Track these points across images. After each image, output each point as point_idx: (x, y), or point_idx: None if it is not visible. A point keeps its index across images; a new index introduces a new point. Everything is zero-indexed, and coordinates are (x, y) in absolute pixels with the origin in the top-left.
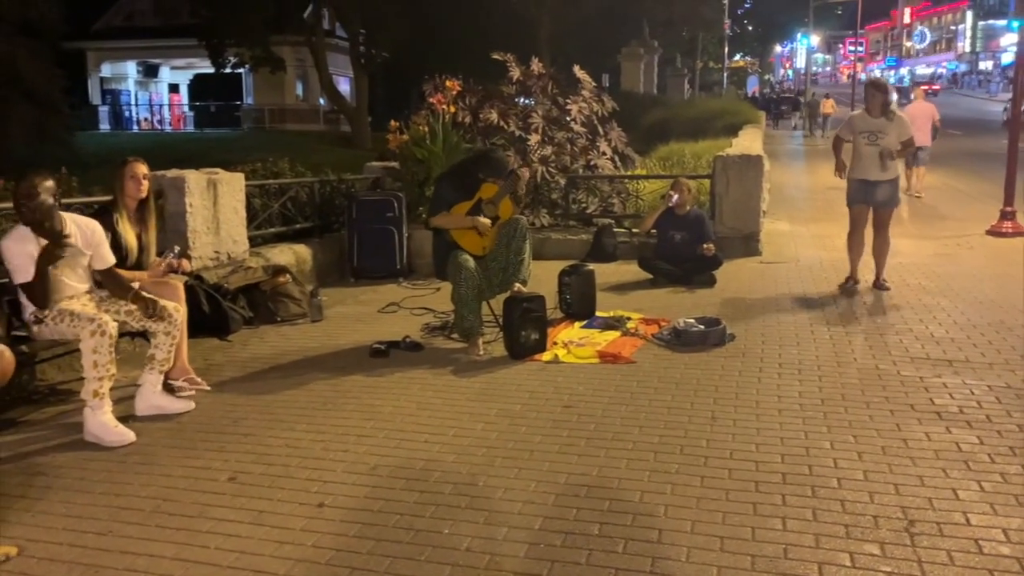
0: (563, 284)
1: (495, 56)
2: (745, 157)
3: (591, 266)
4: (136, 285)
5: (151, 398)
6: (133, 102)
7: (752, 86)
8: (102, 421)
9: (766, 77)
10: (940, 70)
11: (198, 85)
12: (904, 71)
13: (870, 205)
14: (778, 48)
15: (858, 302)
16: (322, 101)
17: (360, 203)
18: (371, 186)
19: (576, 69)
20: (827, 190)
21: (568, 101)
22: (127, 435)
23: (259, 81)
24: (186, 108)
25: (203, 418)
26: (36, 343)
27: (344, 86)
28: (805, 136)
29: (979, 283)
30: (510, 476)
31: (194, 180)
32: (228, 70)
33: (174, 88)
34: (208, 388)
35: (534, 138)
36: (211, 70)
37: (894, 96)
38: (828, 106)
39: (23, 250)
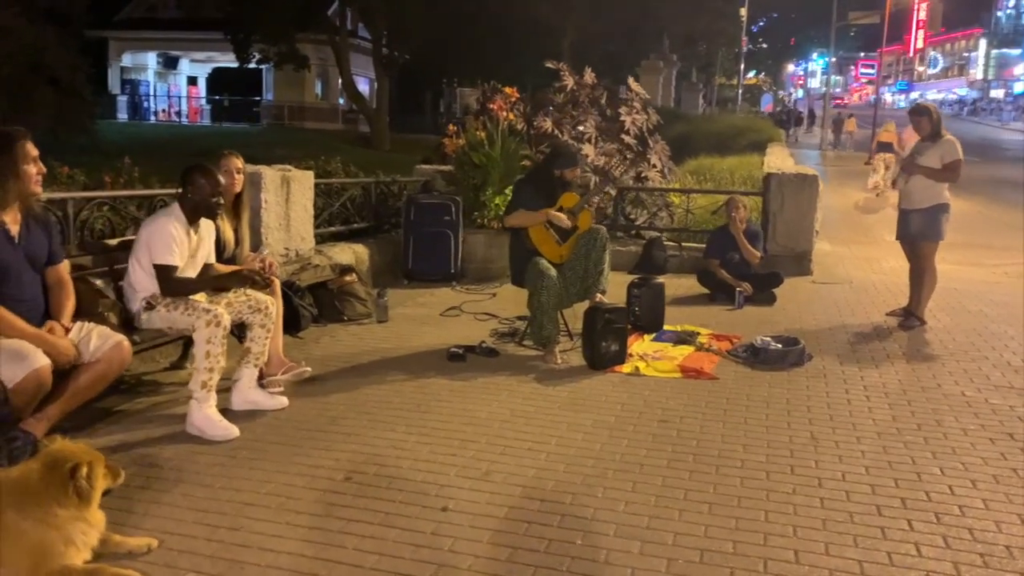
0: (632, 296)
1: (548, 64)
2: (801, 176)
3: (660, 279)
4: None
5: (247, 393)
6: (152, 93)
7: (766, 103)
8: (207, 414)
9: (780, 95)
10: (951, 96)
11: (217, 79)
12: (915, 95)
13: (905, 239)
14: (791, 67)
15: (925, 327)
16: (341, 100)
17: (418, 205)
18: (422, 189)
19: (631, 81)
20: (859, 211)
21: (620, 112)
22: (231, 430)
23: (279, 78)
24: (204, 101)
25: (300, 416)
26: (146, 332)
27: (363, 86)
28: (823, 152)
29: None
30: (627, 489)
31: (270, 176)
32: (253, 65)
33: (192, 81)
34: (309, 369)
35: (588, 148)
36: (230, 64)
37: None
38: (851, 125)
39: (174, 232)
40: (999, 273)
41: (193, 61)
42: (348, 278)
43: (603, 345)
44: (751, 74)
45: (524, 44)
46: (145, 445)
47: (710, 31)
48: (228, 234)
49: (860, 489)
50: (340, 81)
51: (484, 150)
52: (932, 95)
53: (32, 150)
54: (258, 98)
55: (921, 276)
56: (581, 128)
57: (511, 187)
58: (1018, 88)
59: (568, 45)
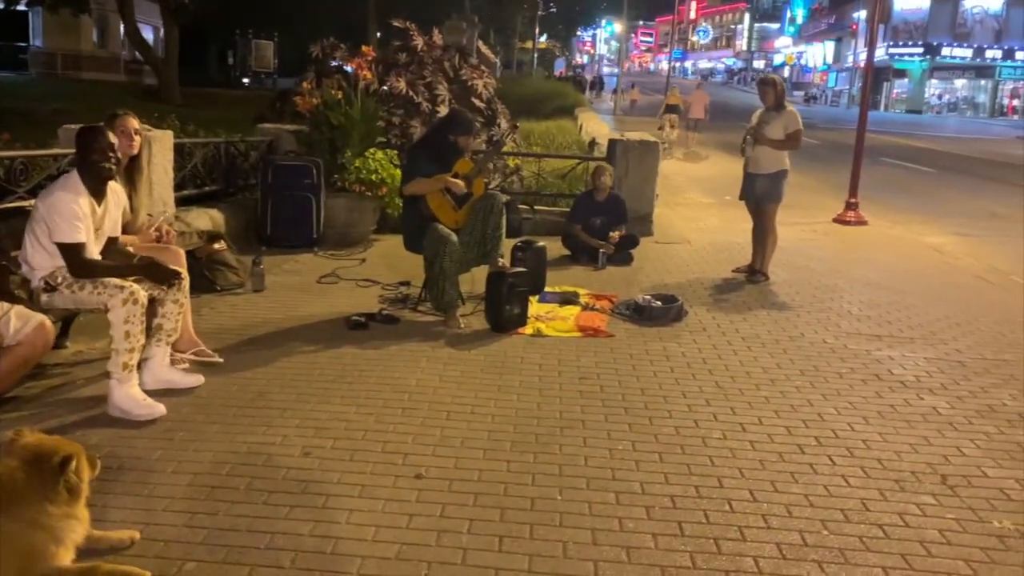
0: (516, 260)
1: (395, 23)
2: (644, 143)
3: (542, 242)
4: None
5: (159, 372)
6: None
7: (559, 68)
8: (130, 394)
9: (572, 62)
10: (720, 64)
11: None
12: (688, 64)
13: (750, 201)
14: (578, 32)
15: (770, 282)
16: (124, 50)
17: (276, 168)
18: (268, 149)
19: (480, 44)
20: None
21: (462, 74)
22: (157, 409)
23: (50, 22)
24: None
25: (221, 393)
26: (52, 313)
27: (146, 34)
28: (616, 117)
29: (855, 266)
30: (580, 445)
31: None
32: (24, 7)
33: None
34: (220, 360)
35: (444, 110)
36: None
37: (784, 88)
38: (635, 94)
39: (75, 208)
40: (809, 231)
41: None
42: (217, 245)
43: (507, 308)
44: (542, 39)
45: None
46: (64, 432)
47: None
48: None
49: (778, 432)
50: (123, 28)
51: (342, 110)
52: (704, 64)
53: None
54: (23, 44)
55: (765, 235)
56: (436, 91)
57: (373, 150)
58: (777, 60)
59: (374, 3)
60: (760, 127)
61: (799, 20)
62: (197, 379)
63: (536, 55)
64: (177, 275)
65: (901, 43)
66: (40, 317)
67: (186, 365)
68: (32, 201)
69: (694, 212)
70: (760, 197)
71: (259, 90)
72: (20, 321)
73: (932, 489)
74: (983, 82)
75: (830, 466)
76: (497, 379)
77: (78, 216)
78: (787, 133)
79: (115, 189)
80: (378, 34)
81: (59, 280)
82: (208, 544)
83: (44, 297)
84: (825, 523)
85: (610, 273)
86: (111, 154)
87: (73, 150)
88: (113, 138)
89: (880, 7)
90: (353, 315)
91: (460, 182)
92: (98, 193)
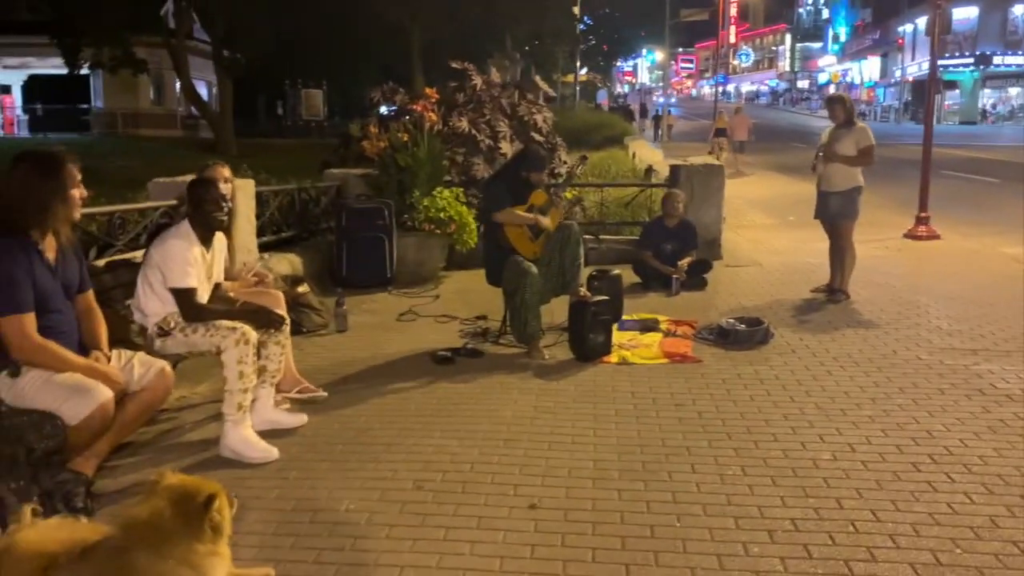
0: (592, 288)
1: (454, 64)
2: (708, 167)
3: (618, 270)
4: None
5: (265, 413)
6: None
7: (601, 99)
8: (244, 436)
9: (615, 92)
10: (762, 87)
11: (34, 86)
12: (731, 87)
13: (825, 219)
14: (618, 62)
15: (852, 300)
16: (179, 106)
17: (350, 211)
18: (336, 194)
19: (537, 79)
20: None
21: (519, 110)
22: (271, 451)
23: (109, 84)
24: (19, 111)
25: (326, 431)
26: (166, 358)
27: (200, 90)
28: (661, 144)
29: (935, 281)
30: (688, 471)
31: None
32: (86, 71)
33: (5, 89)
34: (324, 394)
35: (506, 146)
36: (50, 71)
37: (852, 106)
38: (672, 119)
39: (188, 255)
40: (881, 247)
41: (5, 68)
42: (301, 289)
43: (591, 337)
44: (583, 71)
45: (369, 45)
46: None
47: (554, 29)
48: None
49: (889, 451)
50: (178, 85)
51: (409, 151)
52: (747, 87)
53: (77, 172)
54: (85, 106)
55: (842, 253)
56: (497, 128)
57: (439, 188)
58: (822, 79)
59: (418, 46)
60: (831, 144)
61: (842, 38)
62: (301, 418)
63: (578, 88)
64: (282, 319)
65: (950, 54)
66: (161, 363)
67: (288, 405)
68: (133, 253)
69: (759, 234)
70: (835, 215)
71: (311, 138)
72: (143, 368)
73: None
74: None
75: (949, 483)
76: (592, 408)
77: (190, 262)
78: (860, 148)
79: (219, 237)
80: (420, 76)
81: (172, 325)
82: None
83: (158, 343)
84: (956, 541)
85: (685, 299)
86: (223, 204)
87: (164, 202)
88: (224, 190)
89: (940, 18)
90: (439, 350)
91: (547, 220)
92: (206, 241)
